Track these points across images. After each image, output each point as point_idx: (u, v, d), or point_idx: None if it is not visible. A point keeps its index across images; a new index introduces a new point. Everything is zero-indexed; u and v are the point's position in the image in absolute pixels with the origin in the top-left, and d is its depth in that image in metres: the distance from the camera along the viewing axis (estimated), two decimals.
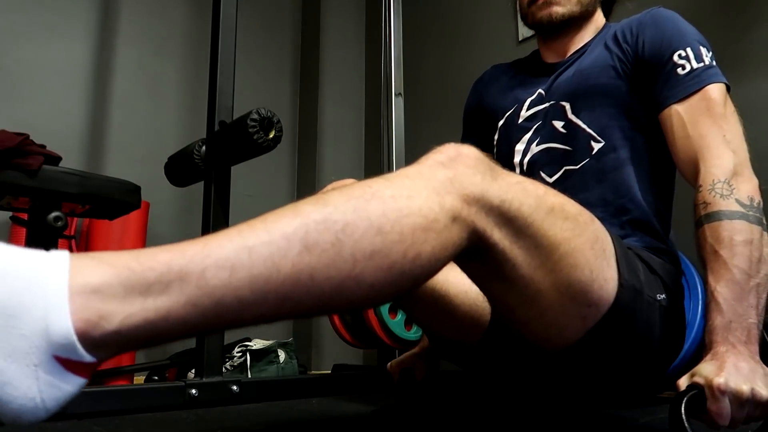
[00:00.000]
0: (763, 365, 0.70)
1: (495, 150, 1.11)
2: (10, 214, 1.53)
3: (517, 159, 1.03)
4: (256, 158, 1.47)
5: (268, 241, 0.49)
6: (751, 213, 0.78)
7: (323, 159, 2.76)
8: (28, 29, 2.23)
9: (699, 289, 1.53)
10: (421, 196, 0.56)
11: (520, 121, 1.05)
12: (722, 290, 0.74)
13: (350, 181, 1.31)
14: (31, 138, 1.36)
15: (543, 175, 0.99)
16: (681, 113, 0.89)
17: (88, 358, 0.44)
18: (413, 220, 0.55)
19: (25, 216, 1.45)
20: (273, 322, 0.53)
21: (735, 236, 0.76)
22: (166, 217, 2.39)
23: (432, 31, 2.68)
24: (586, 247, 0.69)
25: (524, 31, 2.21)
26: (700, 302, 1.52)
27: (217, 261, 0.47)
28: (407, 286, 0.56)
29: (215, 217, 1.46)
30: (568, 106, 0.99)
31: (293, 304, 0.51)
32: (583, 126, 0.97)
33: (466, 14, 2.53)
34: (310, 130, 2.83)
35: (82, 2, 2.37)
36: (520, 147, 1.03)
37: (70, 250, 2.06)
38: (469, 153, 0.62)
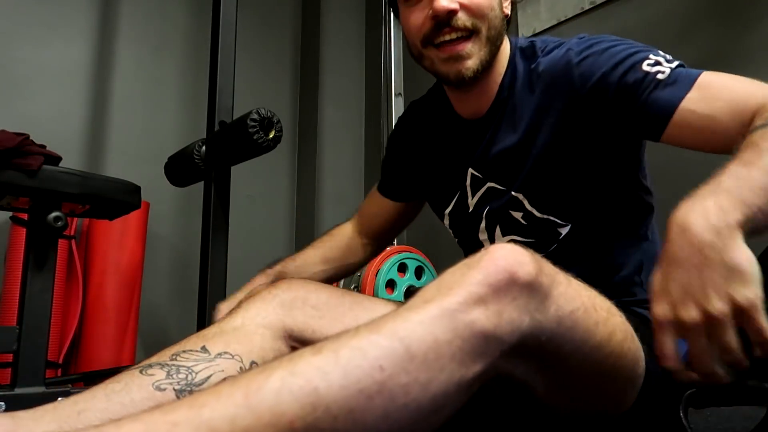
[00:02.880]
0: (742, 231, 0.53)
1: (450, 231, 1.06)
2: (10, 214, 1.53)
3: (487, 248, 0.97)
4: (256, 158, 1.47)
5: None
6: None
7: (323, 159, 2.76)
8: (28, 29, 2.22)
9: None
10: (439, 380, 0.44)
11: (471, 209, 0.99)
12: (735, 168, 0.60)
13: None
14: (31, 138, 1.36)
15: None
16: (695, 103, 0.76)
17: None
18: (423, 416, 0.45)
19: (25, 216, 1.45)
20: None
21: None
22: (166, 217, 2.39)
23: None
24: (615, 376, 0.65)
25: (523, 31, 2.21)
26: None
27: None
28: None
29: (215, 217, 1.46)
30: (525, 201, 0.91)
31: None
32: (545, 216, 0.90)
33: None
34: (310, 130, 2.83)
35: (82, 2, 2.37)
36: (483, 236, 0.98)
37: (70, 250, 2.06)
38: (522, 275, 0.50)
